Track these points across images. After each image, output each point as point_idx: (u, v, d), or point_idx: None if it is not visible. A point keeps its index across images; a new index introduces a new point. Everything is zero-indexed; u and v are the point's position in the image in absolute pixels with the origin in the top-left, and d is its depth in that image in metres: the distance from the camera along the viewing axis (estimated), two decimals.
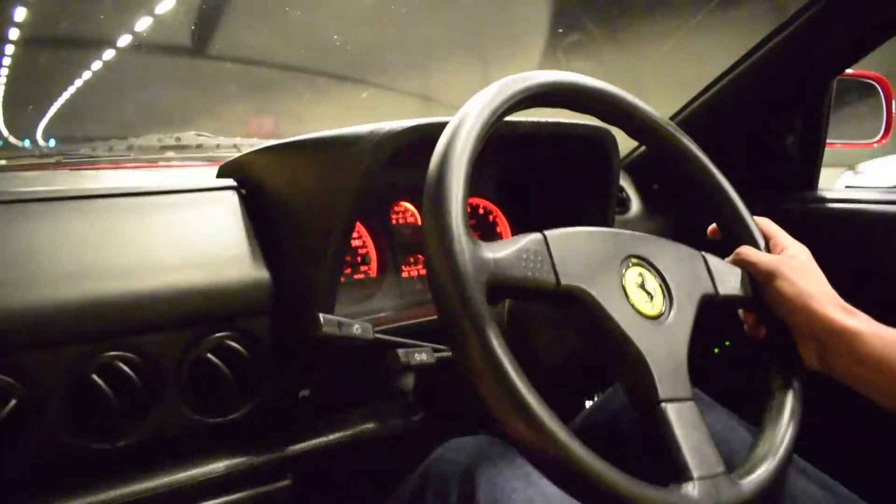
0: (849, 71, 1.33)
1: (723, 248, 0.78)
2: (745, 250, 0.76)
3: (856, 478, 0.78)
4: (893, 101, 1.41)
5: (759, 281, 0.74)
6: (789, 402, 0.71)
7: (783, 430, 0.68)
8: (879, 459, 1.06)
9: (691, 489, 0.57)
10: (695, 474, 0.58)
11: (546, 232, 0.62)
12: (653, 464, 0.80)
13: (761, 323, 0.76)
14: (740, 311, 0.78)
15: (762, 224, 0.80)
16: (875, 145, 1.46)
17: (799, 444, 0.68)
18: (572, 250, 0.63)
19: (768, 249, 0.78)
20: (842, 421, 0.99)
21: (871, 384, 0.67)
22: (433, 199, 0.57)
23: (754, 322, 0.77)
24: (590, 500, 0.56)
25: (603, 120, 0.75)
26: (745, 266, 0.75)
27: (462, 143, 0.59)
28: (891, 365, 0.65)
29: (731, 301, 0.73)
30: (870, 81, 1.41)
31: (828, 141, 1.26)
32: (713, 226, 0.82)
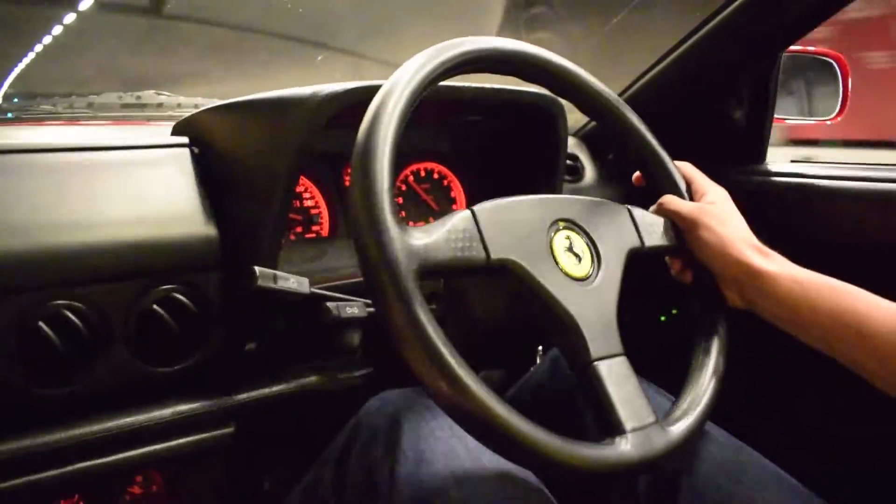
0: (807, 48, 1.36)
1: (652, 198, 0.82)
2: (668, 199, 0.80)
3: (761, 440, 0.82)
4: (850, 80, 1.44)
5: (681, 228, 0.78)
6: (715, 344, 0.75)
7: (710, 373, 0.72)
8: (786, 422, 1.10)
9: (624, 442, 0.61)
10: (627, 427, 0.62)
11: (475, 207, 0.65)
12: (586, 421, 0.84)
13: (687, 267, 0.80)
14: (667, 258, 0.82)
15: (683, 168, 0.83)
16: (829, 122, 1.49)
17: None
18: (501, 222, 0.66)
19: (690, 194, 0.81)
20: (749, 386, 1.03)
21: (789, 322, 0.72)
22: (360, 184, 0.59)
23: (680, 267, 0.81)
24: (523, 461, 0.59)
25: (527, 80, 0.78)
26: (668, 214, 0.79)
27: (387, 117, 0.61)
28: (804, 304, 0.69)
29: (657, 251, 0.77)
30: (827, 59, 1.43)
31: (782, 116, 1.30)
32: (637, 173, 0.85)
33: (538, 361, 1.08)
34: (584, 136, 1.34)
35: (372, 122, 0.61)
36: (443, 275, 0.67)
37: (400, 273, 0.56)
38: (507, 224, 0.66)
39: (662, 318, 1.31)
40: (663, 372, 0.89)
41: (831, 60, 1.43)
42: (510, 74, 0.76)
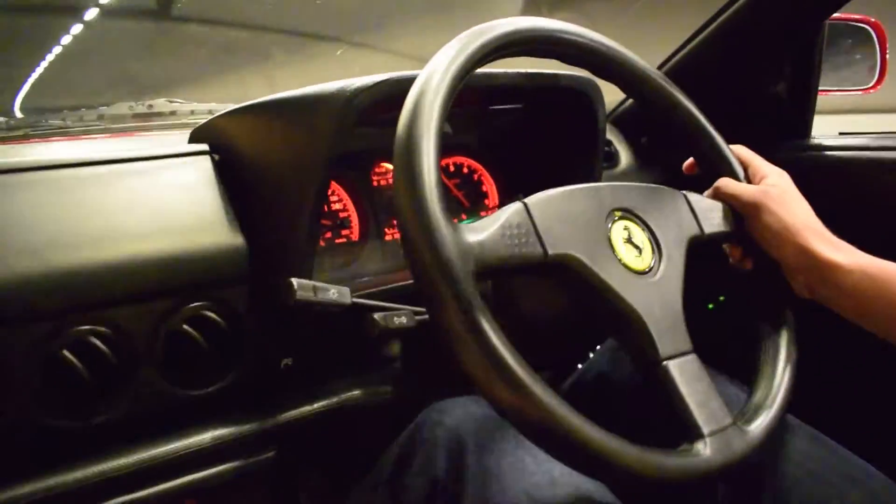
0: (841, 15, 1.29)
1: (703, 182, 0.77)
2: (725, 182, 0.74)
3: (840, 430, 0.77)
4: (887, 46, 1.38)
5: (741, 214, 0.73)
6: (784, 334, 0.70)
7: (782, 368, 0.68)
8: (864, 411, 1.05)
9: (703, 447, 0.57)
10: (705, 431, 0.57)
11: (527, 200, 0.60)
12: (649, 421, 0.79)
13: (747, 256, 0.75)
14: (725, 245, 0.77)
15: (739, 152, 0.78)
16: (870, 91, 1.43)
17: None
18: (555, 214, 0.61)
19: (748, 178, 0.76)
20: (823, 374, 0.98)
21: (858, 315, 0.67)
22: (405, 183, 0.54)
23: (740, 255, 0.75)
24: (598, 475, 0.55)
25: (567, 62, 0.72)
26: (727, 199, 0.74)
27: (428, 109, 0.56)
28: (874, 297, 0.65)
29: (716, 237, 0.72)
30: (863, 26, 1.37)
31: (821, 88, 1.23)
32: (689, 160, 0.80)
33: (590, 356, 1.02)
34: (616, 120, 1.28)
35: (412, 114, 0.56)
36: (499, 274, 0.62)
37: (456, 276, 0.51)
38: (562, 216, 0.61)
39: (710, 307, 1.25)
40: (716, 362, 0.84)
41: (867, 27, 1.37)
42: (549, 56, 0.71)
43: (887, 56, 1.37)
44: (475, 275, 0.53)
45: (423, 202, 0.52)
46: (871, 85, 1.42)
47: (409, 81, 0.60)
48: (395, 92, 0.71)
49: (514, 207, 0.59)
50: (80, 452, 0.73)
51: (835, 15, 1.19)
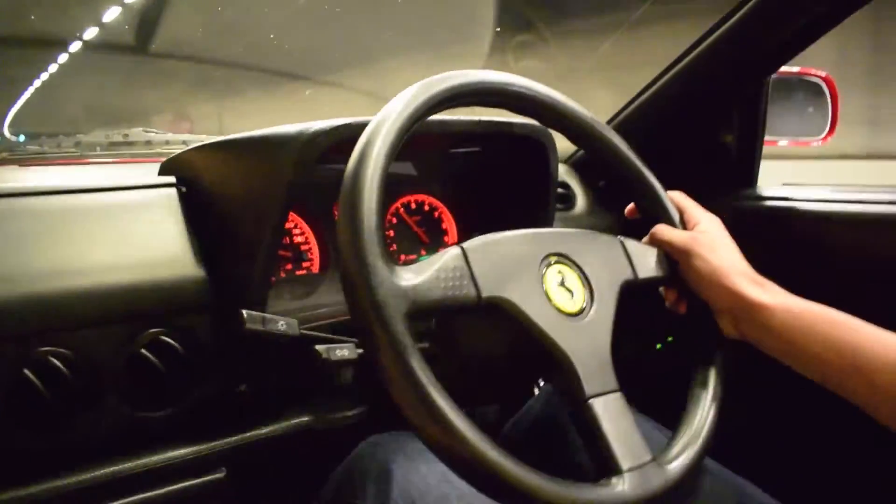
0: (792, 69, 1.36)
1: (645, 227, 0.81)
2: (660, 229, 0.78)
3: (761, 474, 0.81)
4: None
5: (674, 258, 0.77)
6: (711, 377, 0.73)
7: (707, 407, 0.71)
8: (786, 455, 1.09)
9: (620, 482, 0.59)
10: (623, 466, 0.60)
11: (465, 245, 0.64)
12: (581, 458, 0.83)
13: (681, 298, 0.79)
14: (661, 289, 0.80)
15: (675, 198, 0.82)
16: (821, 143, 1.49)
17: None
18: (492, 259, 0.65)
19: (683, 224, 0.80)
20: (747, 418, 1.01)
21: (784, 354, 0.70)
22: (347, 225, 0.58)
23: (675, 298, 0.79)
24: None
25: (515, 112, 0.77)
26: (661, 244, 0.78)
27: (375, 156, 0.60)
28: (799, 337, 0.67)
29: (650, 282, 0.76)
30: (815, 80, 1.43)
31: (771, 138, 1.29)
32: (631, 205, 0.84)
33: (535, 394, 1.06)
34: (575, 164, 1.33)
35: (359, 161, 0.60)
36: (434, 315, 0.66)
37: (388, 316, 0.55)
38: (497, 260, 0.65)
39: (658, 347, 1.29)
40: (661, 402, 0.87)
41: (818, 80, 1.43)
42: (497, 107, 0.76)
43: (838, 108, 1.43)
44: (408, 316, 0.57)
45: (361, 245, 0.57)
46: (822, 136, 1.48)
47: (364, 126, 0.64)
48: (352, 135, 0.74)
49: (452, 252, 0.63)
50: (36, 470, 0.75)
51: (788, 69, 1.26)
